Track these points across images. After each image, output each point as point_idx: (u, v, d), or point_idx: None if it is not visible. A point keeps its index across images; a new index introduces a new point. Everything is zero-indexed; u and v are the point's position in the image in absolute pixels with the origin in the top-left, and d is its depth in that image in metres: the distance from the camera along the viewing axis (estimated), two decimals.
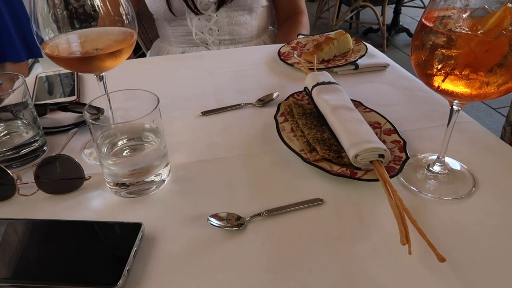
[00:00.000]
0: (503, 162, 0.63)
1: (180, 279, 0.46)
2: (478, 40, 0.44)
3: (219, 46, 1.27)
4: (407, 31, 3.81)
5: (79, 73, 0.95)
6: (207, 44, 1.26)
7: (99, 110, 0.71)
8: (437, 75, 0.48)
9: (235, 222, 0.51)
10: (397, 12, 3.76)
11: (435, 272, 0.46)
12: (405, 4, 4.01)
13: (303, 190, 0.58)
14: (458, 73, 0.46)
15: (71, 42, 0.58)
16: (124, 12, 0.58)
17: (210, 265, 0.47)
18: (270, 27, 1.42)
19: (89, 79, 0.94)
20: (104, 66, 0.58)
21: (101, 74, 0.62)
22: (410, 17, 4.26)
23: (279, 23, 1.38)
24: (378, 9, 3.60)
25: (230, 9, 1.21)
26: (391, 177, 0.56)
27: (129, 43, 0.58)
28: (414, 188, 0.58)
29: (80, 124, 0.75)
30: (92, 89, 0.91)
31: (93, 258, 0.47)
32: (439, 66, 0.47)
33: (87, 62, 0.57)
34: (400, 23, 3.83)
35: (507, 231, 0.51)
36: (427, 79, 0.50)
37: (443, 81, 0.48)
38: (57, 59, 0.57)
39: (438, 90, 0.50)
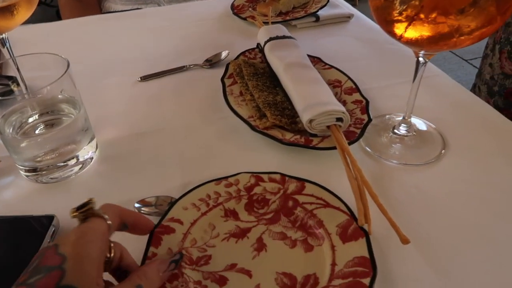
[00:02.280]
0: (475, 119, 0.56)
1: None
2: None
3: (170, 3, 1.14)
4: None
5: None
6: (156, 0, 1.13)
7: (13, 80, 0.60)
8: (399, 21, 0.40)
9: (167, 208, 0.43)
10: None
11: (400, 254, 0.39)
12: None
13: (252, 164, 0.50)
14: (424, 17, 0.38)
15: None
16: None
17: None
18: None
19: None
20: None
21: (1, 37, 0.50)
22: None
23: None
24: None
25: None
26: (350, 143, 0.49)
27: None
28: (377, 154, 0.51)
29: None
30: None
31: None
32: (402, 10, 0.39)
33: None
34: None
35: (480, 200, 0.45)
36: (388, 26, 0.41)
37: (406, 28, 0.40)
38: None
39: (402, 39, 0.41)
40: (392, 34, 0.42)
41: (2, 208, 0.46)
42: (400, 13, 0.39)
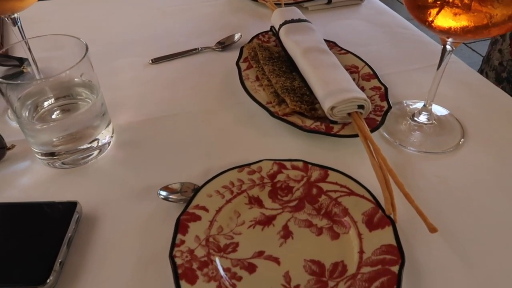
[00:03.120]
0: (493, 107, 0.56)
1: (128, 268, 0.38)
2: None
3: None
4: None
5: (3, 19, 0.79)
6: None
7: (22, 61, 0.58)
8: (431, 7, 0.39)
9: (192, 194, 0.42)
10: None
11: (426, 243, 0.40)
12: None
13: (272, 151, 0.49)
14: (458, 3, 0.37)
15: None
16: None
17: (163, 251, 0.38)
18: None
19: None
20: (12, 5, 0.45)
21: (13, 16, 0.49)
22: None
23: None
24: None
25: None
26: (372, 131, 0.49)
27: None
28: (397, 142, 0.51)
29: None
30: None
31: (16, 250, 0.38)
32: None
33: None
34: None
35: (500, 187, 0.45)
36: (419, 12, 0.41)
37: (437, 13, 0.39)
38: None
39: (431, 25, 0.41)
40: (422, 20, 0.41)
41: (18, 194, 0.46)
42: None
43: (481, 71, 0.99)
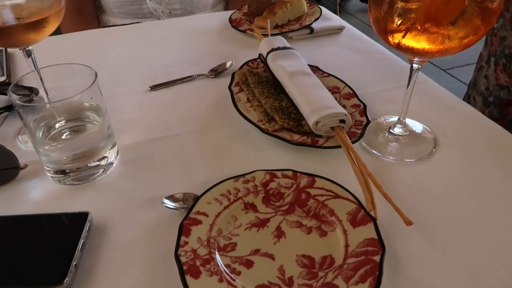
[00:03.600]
0: (461, 119, 0.63)
1: (135, 270, 0.42)
2: None
3: (169, 17, 1.19)
4: None
5: (8, 50, 0.85)
6: (155, 14, 1.17)
7: (32, 91, 0.63)
8: (397, 31, 0.46)
9: (193, 202, 0.47)
10: None
11: (403, 236, 0.44)
12: None
13: (264, 163, 0.54)
14: (419, 27, 0.44)
15: None
16: None
17: (168, 252, 0.42)
18: None
19: (22, 58, 0.85)
20: (28, 38, 0.51)
21: (28, 49, 0.54)
22: None
23: None
24: None
25: None
26: (353, 142, 0.54)
27: (56, 10, 0.51)
28: (376, 152, 0.56)
29: (12, 108, 0.67)
30: (26, 69, 0.81)
31: (35, 255, 0.42)
32: (399, 21, 0.45)
33: (8, 33, 0.49)
34: None
35: (470, 188, 0.51)
36: (387, 35, 0.47)
37: (403, 36, 0.46)
38: None
39: (399, 47, 0.47)
40: (390, 42, 0.48)
41: (33, 208, 0.49)
42: (398, 24, 0.45)
43: (468, 96, 1.05)
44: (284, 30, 0.88)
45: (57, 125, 0.53)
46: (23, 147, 0.59)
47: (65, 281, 0.39)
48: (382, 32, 0.47)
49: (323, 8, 0.97)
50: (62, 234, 0.44)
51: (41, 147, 0.51)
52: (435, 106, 0.66)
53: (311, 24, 0.89)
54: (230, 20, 0.95)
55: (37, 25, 0.49)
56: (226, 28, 0.94)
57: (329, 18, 0.94)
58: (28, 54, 0.55)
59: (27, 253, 0.42)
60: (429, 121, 0.61)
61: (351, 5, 3.86)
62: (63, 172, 0.52)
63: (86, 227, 0.44)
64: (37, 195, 0.52)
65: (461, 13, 0.41)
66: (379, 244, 0.41)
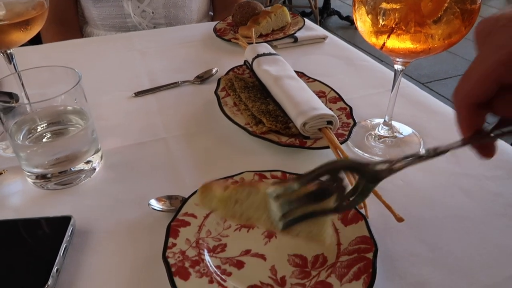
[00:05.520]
0: (445, 121, 0.64)
1: (120, 274, 0.40)
2: None
3: (153, 28, 1.18)
4: (338, 13, 3.89)
5: None
6: (139, 28, 1.16)
7: (12, 96, 0.61)
8: (381, 32, 0.46)
9: (180, 204, 0.46)
10: None
11: (394, 233, 0.44)
12: None
13: (253, 165, 0.53)
14: (403, 28, 0.44)
15: None
16: None
17: (156, 255, 0.41)
18: (211, 12, 1.34)
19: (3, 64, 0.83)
20: (10, 39, 0.49)
21: (9, 51, 0.53)
22: (340, 0, 4.36)
23: (216, 12, 1.31)
24: None
25: None
26: (341, 143, 0.54)
27: (40, 12, 0.50)
28: (363, 153, 0.56)
29: None
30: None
31: (16, 260, 0.40)
32: (383, 22, 0.45)
33: None
34: (331, 6, 3.90)
35: (455, 187, 0.51)
36: (371, 37, 0.48)
37: (388, 37, 0.46)
38: None
39: (383, 48, 0.48)
40: (375, 44, 0.48)
41: (12, 214, 0.47)
42: (382, 25, 0.46)
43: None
44: (269, 39, 0.89)
45: (39, 128, 0.52)
46: (3, 154, 0.57)
47: (46, 286, 0.37)
48: (367, 34, 0.48)
49: (305, 19, 0.98)
50: (44, 239, 0.42)
51: (22, 150, 0.49)
52: (419, 109, 0.67)
53: (295, 33, 0.90)
54: (215, 30, 0.95)
55: (20, 26, 0.48)
56: (210, 37, 0.94)
57: (312, 28, 0.96)
58: (10, 58, 0.53)
59: (8, 258, 0.40)
60: (413, 123, 0.62)
61: (331, 22, 3.95)
62: (44, 177, 0.50)
63: (69, 232, 0.43)
64: (17, 200, 0.49)
65: (443, 12, 0.42)
66: (371, 241, 0.41)
